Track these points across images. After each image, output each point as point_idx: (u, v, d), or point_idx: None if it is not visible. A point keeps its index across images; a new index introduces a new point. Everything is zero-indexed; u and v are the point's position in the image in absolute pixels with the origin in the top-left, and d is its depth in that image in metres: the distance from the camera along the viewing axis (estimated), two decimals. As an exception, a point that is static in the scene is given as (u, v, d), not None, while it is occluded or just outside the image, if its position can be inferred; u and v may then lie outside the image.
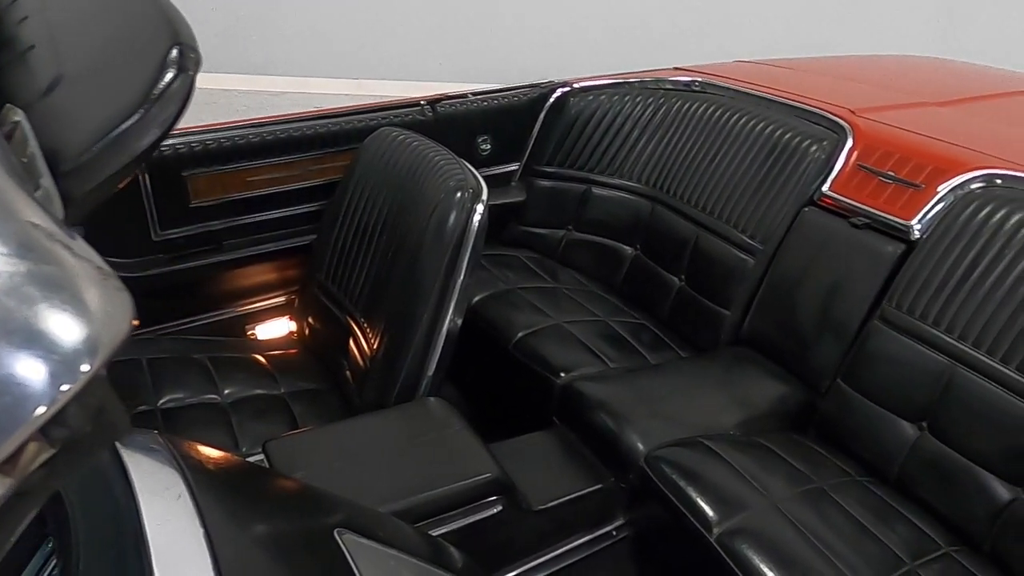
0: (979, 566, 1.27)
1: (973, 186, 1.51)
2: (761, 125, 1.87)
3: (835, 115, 1.80)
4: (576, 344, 1.74)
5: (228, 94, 5.69)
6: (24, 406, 0.32)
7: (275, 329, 1.95)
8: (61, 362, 0.33)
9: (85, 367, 0.34)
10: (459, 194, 1.42)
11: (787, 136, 1.81)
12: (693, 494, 1.30)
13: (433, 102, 1.98)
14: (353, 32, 5.65)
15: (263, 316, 1.94)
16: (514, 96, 2.10)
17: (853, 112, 1.82)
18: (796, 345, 1.65)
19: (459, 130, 2.02)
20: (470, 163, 1.55)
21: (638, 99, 2.11)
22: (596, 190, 2.12)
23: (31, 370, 0.33)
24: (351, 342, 1.62)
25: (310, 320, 1.81)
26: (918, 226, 1.53)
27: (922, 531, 1.33)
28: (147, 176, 1.66)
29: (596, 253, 2.13)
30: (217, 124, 1.76)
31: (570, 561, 1.40)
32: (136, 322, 0.36)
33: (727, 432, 1.49)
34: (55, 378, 0.33)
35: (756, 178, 1.82)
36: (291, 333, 1.93)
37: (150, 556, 0.55)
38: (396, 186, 1.60)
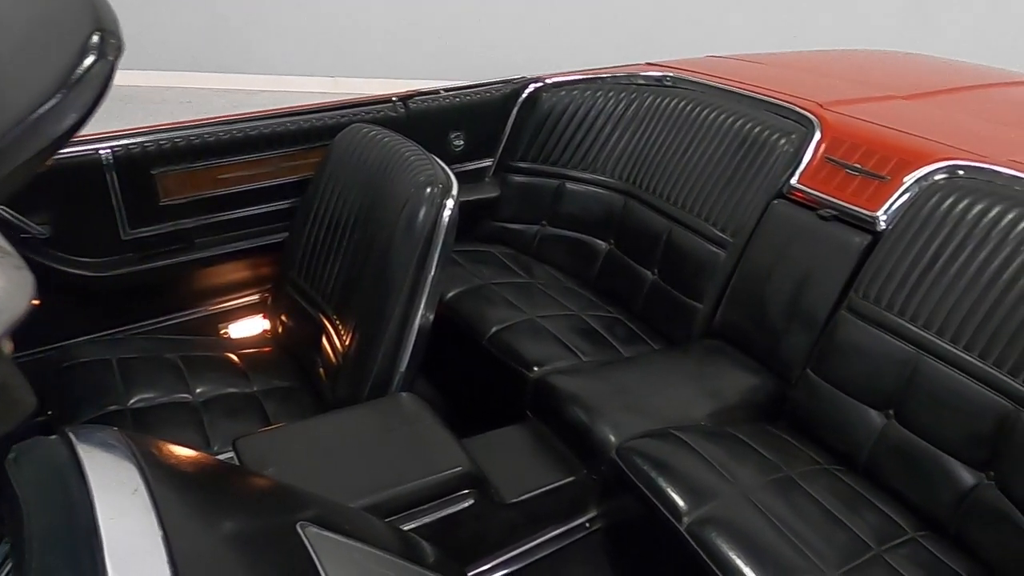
0: (944, 550, 1.29)
1: (936, 177, 1.53)
2: (731, 119, 1.89)
3: (803, 108, 1.82)
4: (549, 338, 1.74)
5: (203, 93, 5.64)
6: None
7: (248, 328, 1.94)
8: None
9: None
10: (429, 189, 1.43)
11: (756, 130, 1.83)
12: (664, 484, 1.31)
13: (405, 98, 1.98)
14: (330, 30, 5.62)
15: (236, 315, 1.93)
16: (486, 92, 2.11)
17: (821, 105, 1.84)
18: (766, 336, 1.67)
19: (432, 126, 2.02)
20: (443, 159, 1.56)
21: (610, 94, 2.12)
22: (570, 185, 2.13)
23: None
24: (324, 339, 1.62)
25: (283, 318, 1.80)
26: (884, 217, 1.55)
27: (889, 517, 1.35)
28: (115, 174, 1.64)
29: (570, 248, 2.14)
30: (186, 121, 1.75)
31: (544, 553, 1.41)
32: (37, 302, 0.36)
33: (699, 423, 1.51)
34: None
35: (726, 171, 1.83)
36: (265, 331, 1.92)
37: (103, 551, 0.54)
38: (367, 182, 1.59)
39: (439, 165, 1.49)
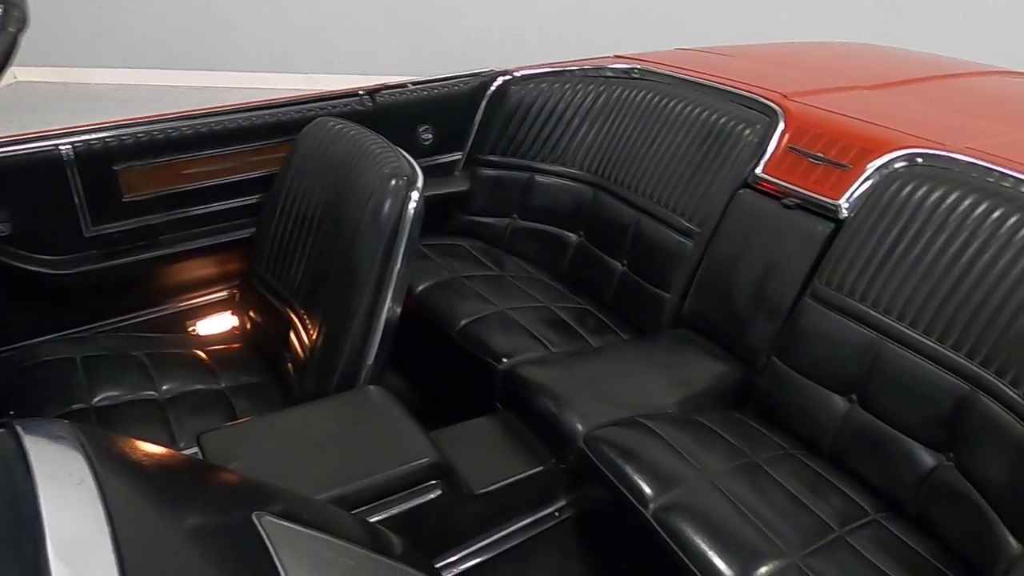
0: (905, 530, 1.31)
1: (896, 165, 1.56)
2: (697, 110, 1.90)
3: (767, 99, 1.84)
4: (519, 330, 1.75)
5: (176, 91, 5.58)
6: None
7: (217, 324, 1.93)
8: None
9: None
10: (393, 182, 1.42)
11: (722, 121, 1.84)
12: (630, 472, 1.32)
13: (372, 92, 1.98)
14: (303, 27, 5.59)
15: (204, 311, 1.92)
16: (454, 85, 2.10)
17: (785, 96, 1.86)
18: (733, 325, 1.68)
19: (400, 120, 2.01)
20: (412, 153, 1.55)
21: (578, 87, 2.13)
22: (539, 178, 2.14)
23: None
24: (292, 334, 1.61)
25: (251, 314, 1.79)
26: (846, 205, 1.57)
27: (852, 500, 1.37)
28: (76, 170, 1.62)
29: (541, 240, 2.14)
30: (149, 116, 1.73)
31: (513, 543, 1.41)
32: None
33: (666, 411, 1.52)
34: None
35: (693, 162, 1.85)
36: (233, 328, 1.91)
37: (46, 540, 0.54)
38: (333, 176, 1.59)
39: (404, 157, 1.49)
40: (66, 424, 0.71)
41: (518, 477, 1.41)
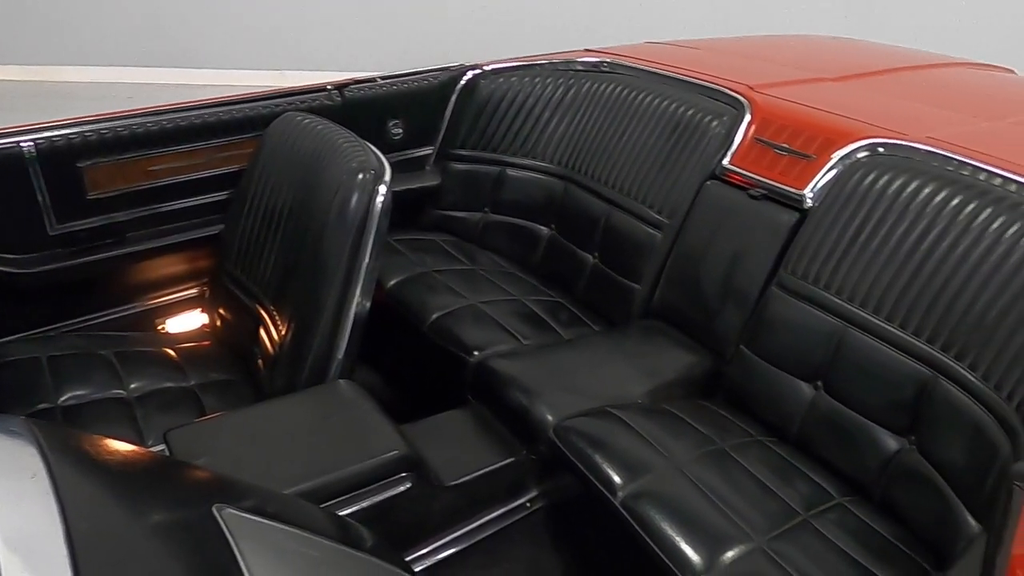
0: (869, 514, 1.34)
1: (859, 155, 1.58)
2: (665, 103, 1.92)
3: (734, 91, 1.85)
4: (491, 323, 1.76)
5: (148, 88, 5.51)
6: None
7: (186, 322, 1.91)
8: None
9: None
10: (361, 176, 1.42)
11: (690, 113, 1.86)
12: (599, 460, 1.33)
13: (341, 87, 1.97)
14: (276, 23, 5.54)
15: (174, 309, 1.90)
16: (424, 79, 2.10)
17: (751, 88, 1.87)
18: (702, 314, 1.70)
19: (369, 115, 2.01)
20: (382, 148, 1.55)
21: (548, 80, 2.14)
22: (511, 172, 2.14)
23: None
24: (261, 330, 1.61)
25: (221, 311, 1.78)
26: (810, 195, 1.59)
27: (818, 484, 1.40)
28: (39, 168, 1.60)
29: (513, 234, 2.15)
30: (114, 112, 1.71)
31: (485, 534, 1.42)
32: None
33: (636, 401, 1.53)
34: None
35: (662, 154, 1.86)
36: (203, 326, 1.89)
37: (-5, 533, 0.54)
38: (301, 170, 1.58)
39: (372, 151, 1.49)
40: (21, 420, 0.71)
41: (489, 469, 1.42)
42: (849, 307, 1.46)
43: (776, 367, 1.54)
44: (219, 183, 1.83)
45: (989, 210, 1.36)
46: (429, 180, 2.15)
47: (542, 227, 2.12)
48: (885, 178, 1.50)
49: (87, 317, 1.80)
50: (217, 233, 1.81)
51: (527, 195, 2.12)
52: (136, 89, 5.45)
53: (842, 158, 1.59)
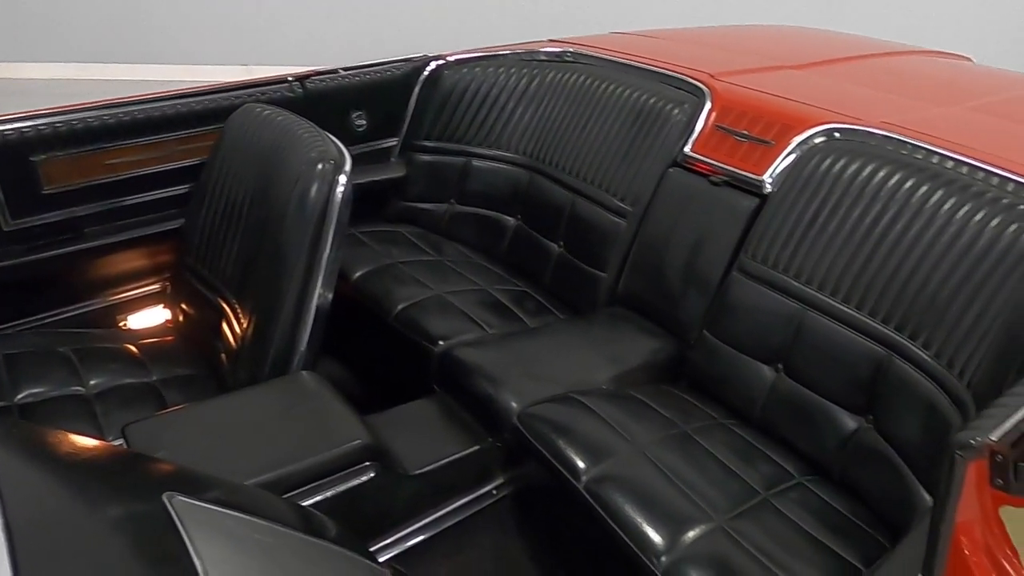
0: (829, 492, 1.36)
1: (816, 140, 1.60)
2: (628, 91, 1.93)
3: (695, 79, 1.87)
4: (456, 313, 1.76)
5: (112, 85, 5.41)
6: None
7: (149, 318, 1.89)
8: None
9: None
10: (320, 165, 1.41)
11: (651, 101, 1.87)
12: (563, 446, 1.34)
13: (302, 78, 1.95)
14: (243, 18, 5.47)
15: (135, 305, 1.88)
16: (387, 70, 2.09)
17: (712, 76, 1.89)
18: (665, 301, 1.71)
19: (332, 106, 1.99)
20: (346, 140, 1.54)
21: (512, 71, 2.14)
22: (476, 162, 2.14)
23: None
24: (224, 324, 1.59)
25: (183, 306, 1.76)
26: (769, 180, 1.61)
27: (779, 465, 1.42)
28: (-11, 162, 1.57)
29: (479, 225, 2.15)
30: (68, 106, 1.68)
31: (452, 522, 1.42)
32: None
33: (600, 387, 1.54)
34: None
35: (625, 142, 1.87)
36: (166, 321, 1.87)
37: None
38: (261, 162, 1.57)
39: (332, 141, 1.48)
40: (-38, 411, 0.70)
41: (454, 457, 1.42)
42: (807, 290, 1.48)
43: (738, 351, 1.56)
44: (179, 176, 1.81)
45: (940, 192, 1.38)
46: (394, 172, 2.14)
47: (508, 217, 2.12)
48: (841, 162, 1.52)
49: (45, 314, 1.77)
50: (178, 227, 1.79)
51: (492, 186, 2.12)
52: (99, 86, 5.34)
53: (800, 143, 1.61)
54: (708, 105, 1.80)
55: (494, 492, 1.47)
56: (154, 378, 1.60)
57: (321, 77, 1.98)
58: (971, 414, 1.17)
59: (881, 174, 1.46)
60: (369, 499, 1.30)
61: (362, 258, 1.93)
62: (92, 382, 1.54)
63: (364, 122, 2.07)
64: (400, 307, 1.76)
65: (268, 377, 1.42)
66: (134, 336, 1.77)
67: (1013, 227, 1.27)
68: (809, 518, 1.28)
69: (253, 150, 1.60)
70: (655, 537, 1.19)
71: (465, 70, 2.14)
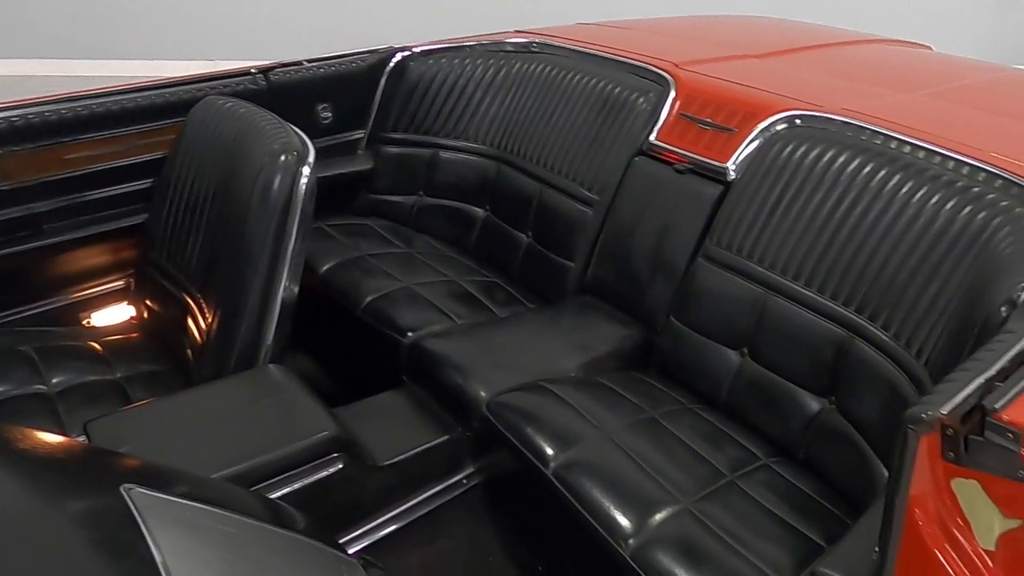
0: (793, 472, 1.38)
1: (778, 127, 1.62)
2: (593, 81, 1.94)
3: (659, 68, 1.88)
4: (425, 304, 1.75)
5: (72, 81, 5.30)
6: None
7: (113, 315, 1.86)
8: None
9: None
10: (283, 157, 1.40)
11: (617, 90, 1.88)
12: (531, 433, 1.35)
13: (266, 70, 1.93)
14: (208, 11, 5.39)
15: (99, 303, 1.85)
16: (352, 62, 2.08)
17: (676, 65, 1.90)
18: (633, 288, 1.73)
19: (296, 99, 1.97)
20: (312, 132, 1.53)
21: (478, 62, 2.13)
22: (443, 154, 2.14)
23: None
24: (189, 320, 1.58)
25: (148, 302, 1.74)
26: (733, 167, 1.63)
27: (745, 448, 1.44)
28: (-57, 158, 1.54)
29: (448, 217, 2.15)
30: (24, 100, 1.64)
31: (423, 512, 1.43)
32: None
33: (569, 375, 1.55)
34: None
35: (591, 132, 1.88)
36: (131, 318, 1.84)
37: None
38: (223, 154, 1.55)
39: (294, 132, 1.47)
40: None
41: (424, 447, 1.42)
42: (771, 275, 1.50)
43: (704, 336, 1.58)
44: (141, 171, 1.78)
45: (898, 176, 1.41)
46: (361, 164, 2.13)
47: (477, 209, 2.12)
48: (802, 149, 1.54)
49: (6, 313, 1.73)
50: (141, 222, 1.76)
51: (461, 177, 2.12)
52: (59, 82, 5.22)
53: (762, 130, 1.63)
54: (672, 94, 1.81)
55: (464, 481, 1.47)
56: (118, 375, 1.58)
57: (285, 69, 1.97)
58: (928, 392, 1.20)
59: (841, 159, 1.49)
60: (338, 491, 1.30)
61: (330, 251, 1.92)
62: (54, 380, 1.52)
63: (330, 114, 2.06)
64: (368, 299, 1.75)
65: (234, 371, 1.41)
66: (98, 333, 1.75)
67: (967, 209, 1.30)
68: (774, 498, 1.30)
69: (215, 143, 1.59)
70: (623, 521, 1.20)
71: (431, 61, 2.13)
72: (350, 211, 2.16)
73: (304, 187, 1.40)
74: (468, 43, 2.17)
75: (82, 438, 1.23)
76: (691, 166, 1.70)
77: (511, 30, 2.28)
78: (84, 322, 1.84)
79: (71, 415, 1.43)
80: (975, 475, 0.79)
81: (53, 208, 1.71)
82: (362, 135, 2.15)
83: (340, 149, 2.11)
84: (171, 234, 1.65)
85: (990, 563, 0.80)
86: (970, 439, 0.79)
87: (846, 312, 1.39)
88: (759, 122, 1.65)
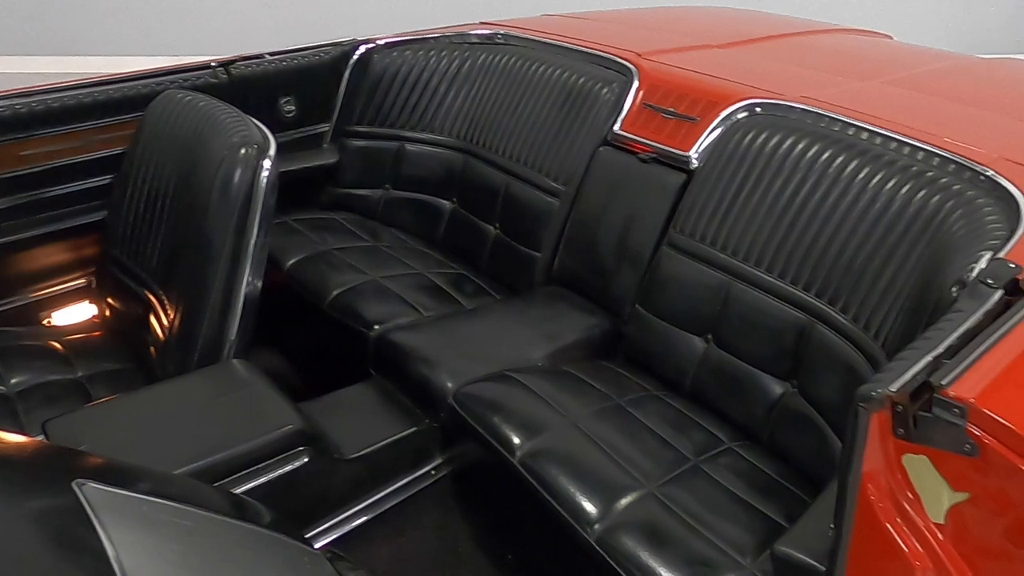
0: (757, 456, 1.40)
1: (739, 116, 1.64)
2: (558, 72, 1.94)
3: (623, 59, 1.89)
4: (392, 297, 1.75)
5: (29, 78, 5.19)
6: None
7: (75, 314, 1.83)
8: None
9: None
10: (244, 150, 1.39)
11: (581, 81, 1.89)
12: (498, 422, 1.35)
13: (226, 64, 1.91)
14: (169, 6, 5.30)
15: (60, 301, 1.82)
16: (315, 55, 2.06)
17: (640, 55, 1.91)
18: (599, 278, 1.74)
19: (258, 92, 1.95)
20: (275, 126, 1.52)
21: (443, 53, 2.13)
22: (409, 147, 2.13)
23: None
24: (152, 317, 1.56)
25: (110, 300, 1.72)
26: (695, 156, 1.64)
27: (710, 432, 1.46)
28: None
29: (415, 210, 2.14)
30: (-25, 96, 1.61)
31: (392, 504, 1.43)
32: None
33: (536, 365, 1.56)
34: None
35: (556, 123, 1.88)
36: (93, 317, 1.82)
37: None
38: (183, 149, 1.53)
39: (255, 125, 1.46)
40: None
41: (391, 439, 1.42)
42: (733, 261, 1.52)
43: (669, 323, 1.60)
44: (100, 167, 1.75)
45: (856, 162, 1.43)
46: (327, 158, 2.11)
47: (444, 201, 2.11)
48: (763, 136, 1.56)
49: (-39, 314, 1.70)
50: (101, 219, 1.73)
51: (427, 169, 2.12)
52: (13, 79, 5.11)
53: (724, 119, 1.65)
54: (636, 84, 1.82)
55: (433, 472, 1.47)
56: (80, 374, 1.55)
57: (246, 62, 1.94)
58: (885, 373, 1.22)
59: (800, 146, 1.51)
60: (305, 484, 1.29)
61: (295, 246, 1.90)
62: (13, 380, 1.49)
63: (293, 108, 2.04)
64: (335, 293, 1.74)
65: (197, 367, 1.39)
66: (59, 332, 1.72)
67: (921, 193, 1.33)
68: (737, 481, 1.32)
69: (174, 137, 1.57)
70: (588, 507, 1.21)
71: (395, 53, 2.12)
72: (316, 205, 2.14)
73: (265, 180, 1.39)
74: (433, 35, 2.17)
75: (41, 437, 1.21)
76: (655, 155, 1.71)
77: (476, 22, 2.28)
78: (45, 321, 1.81)
79: (30, 415, 1.40)
80: (925, 450, 0.81)
81: (11, 206, 1.68)
82: (327, 128, 2.14)
83: (305, 143, 2.09)
84: (131, 231, 1.63)
85: (940, 536, 0.82)
86: (919, 415, 0.81)
87: (807, 297, 1.41)
88: (721, 111, 1.66)
